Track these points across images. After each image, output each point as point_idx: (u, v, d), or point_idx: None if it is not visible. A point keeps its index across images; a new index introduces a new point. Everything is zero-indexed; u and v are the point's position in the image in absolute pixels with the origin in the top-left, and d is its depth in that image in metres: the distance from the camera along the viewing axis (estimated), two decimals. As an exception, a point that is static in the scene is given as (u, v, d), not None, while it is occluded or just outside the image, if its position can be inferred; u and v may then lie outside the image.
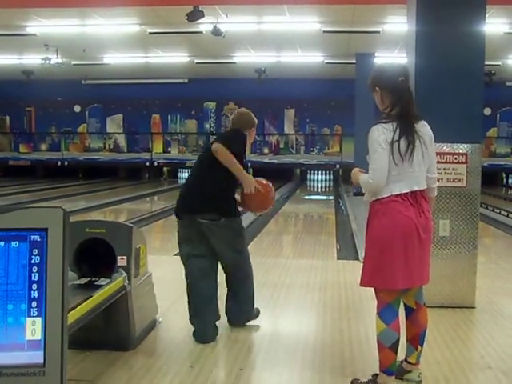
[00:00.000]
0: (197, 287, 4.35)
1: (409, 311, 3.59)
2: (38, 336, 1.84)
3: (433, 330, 4.60)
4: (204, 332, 4.31)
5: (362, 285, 3.50)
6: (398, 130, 3.29)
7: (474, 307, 5.19)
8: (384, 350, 3.36)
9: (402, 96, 3.36)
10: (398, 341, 3.36)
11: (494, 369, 3.84)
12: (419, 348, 3.57)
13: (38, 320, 1.85)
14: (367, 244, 3.47)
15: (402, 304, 3.54)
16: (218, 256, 4.41)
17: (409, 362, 3.60)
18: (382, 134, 3.29)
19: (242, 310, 4.59)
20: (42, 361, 1.84)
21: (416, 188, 3.37)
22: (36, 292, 1.84)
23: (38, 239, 1.84)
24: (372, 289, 3.49)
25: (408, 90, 3.41)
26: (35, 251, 1.85)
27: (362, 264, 3.53)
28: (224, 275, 4.54)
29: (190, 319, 4.37)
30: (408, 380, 3.58)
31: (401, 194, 3.32)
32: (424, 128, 3.45)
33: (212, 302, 4.40)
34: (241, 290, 4.55)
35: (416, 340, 3.55)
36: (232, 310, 4.57)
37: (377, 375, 3.45)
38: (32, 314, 1.85)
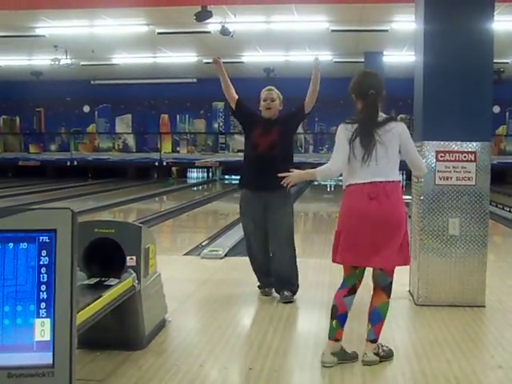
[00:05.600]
0: None
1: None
2: (47, 337, 1.85)
3: (443, 329, 4.60)
4: None
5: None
6: (355, 133, 3.79)
7: (483, 306, 5.17)
8: None
9: (367, 107, 3.85)
10: (333, 308, 3.88)
11: (505, 368, 3.82)
12: (369, 325, 3.89)
13: (47, 321, 1.85)
14: None
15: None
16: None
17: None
18: (342, 132, 3.85)
19: None
20: (51, 362, 1.84)
21: (377, 179, 3.75)
22: (45, 293, 1.84)
23: (47, 240, 1.84)
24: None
25: (374, 104, 3.84)
26: (44, 252, 1.86)
27: None
28: None
29: None
30: (364, 361, 3.84)
31: (360, 184, 3.76)
32: (389, 131, 3.80)
33: None
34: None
35: (368, 316, 3.92)
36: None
37: None
38: (41, 315, 1.85)
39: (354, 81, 4.00)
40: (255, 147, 5.30)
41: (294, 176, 4.02)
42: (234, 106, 5.52)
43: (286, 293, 5.32)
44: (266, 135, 5.29)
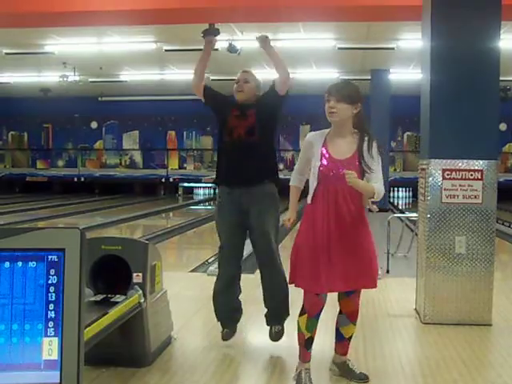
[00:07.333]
0: None
1: None
2: (55, 356, 1.85)
3: (449, 347, 4.58)
4: None
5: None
6: None
7: (490, 324, 5.15)
8: None
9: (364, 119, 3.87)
10: None
11: (512, 388, 3.80)
12: None
13: (55, 340, 1.85)
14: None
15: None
16: None
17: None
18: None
19: None
20: (58, 381, 1.84)
21: None
22: (53, 312, 1.84)
23: (56, 259, 1.85)
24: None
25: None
26: (52, 271, 1.86)
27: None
28: None
29: None
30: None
31: None
32: None
33: None
34: None
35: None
36: None
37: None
38: (49, 334, 1.86)
39: (360, 92, 4.01)
40: (231, 132, 4.45)
41: (353, 179, 3.50)
42: (202, 95, 4.82)
43: (274, 328, 4.60)
44: (243, 119, 4.47)
